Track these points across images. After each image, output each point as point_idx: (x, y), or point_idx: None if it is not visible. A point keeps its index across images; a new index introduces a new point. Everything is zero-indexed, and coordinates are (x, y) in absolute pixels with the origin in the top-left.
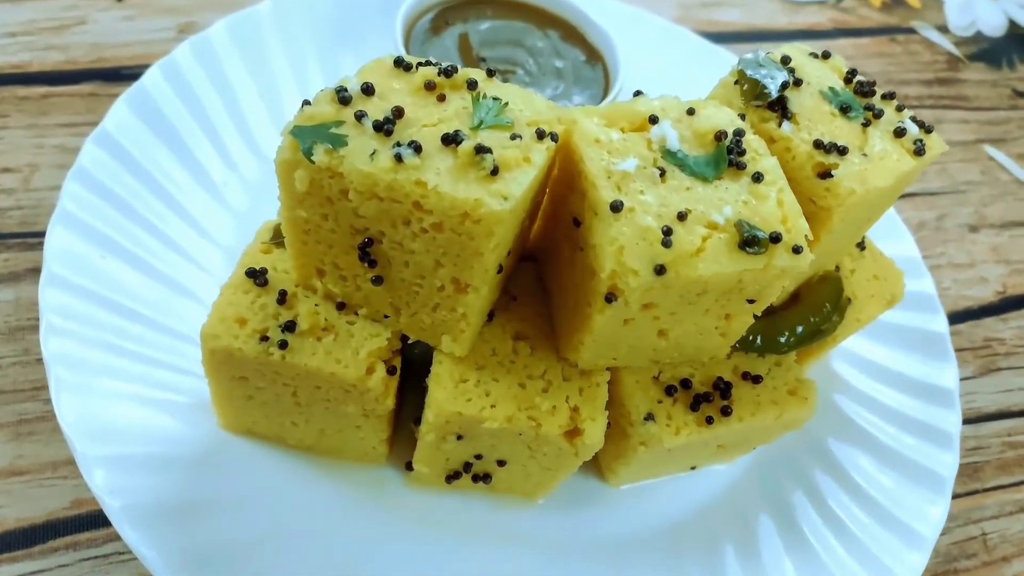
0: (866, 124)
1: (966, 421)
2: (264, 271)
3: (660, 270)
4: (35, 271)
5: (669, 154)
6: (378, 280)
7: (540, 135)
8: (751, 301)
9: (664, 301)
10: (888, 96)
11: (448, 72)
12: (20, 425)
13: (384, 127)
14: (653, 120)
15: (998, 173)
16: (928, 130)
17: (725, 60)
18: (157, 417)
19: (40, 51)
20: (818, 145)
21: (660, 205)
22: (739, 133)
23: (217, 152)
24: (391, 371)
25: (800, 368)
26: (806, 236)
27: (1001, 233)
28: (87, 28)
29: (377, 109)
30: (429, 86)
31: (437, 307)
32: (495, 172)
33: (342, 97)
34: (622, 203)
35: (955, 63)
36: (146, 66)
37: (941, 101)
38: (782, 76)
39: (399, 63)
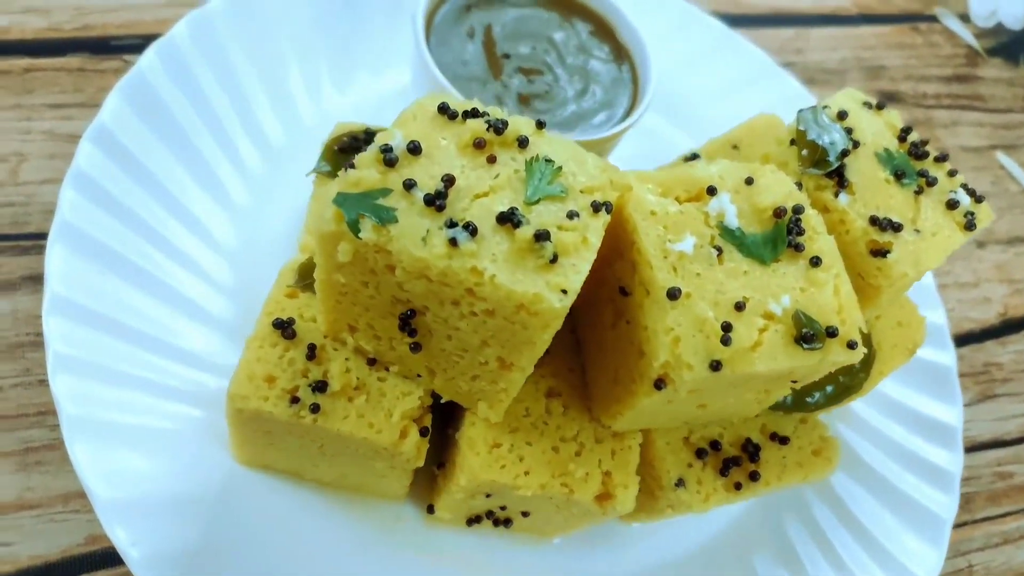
0: (919, 191)
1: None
2: (291, 322)
3: (716, 366)
4: (32, 279)
5: (727, 232)
6: (416, 347)
7: (596, 208)
8: (794, 381)
9: (712, 388)
10: (940, 159)
11: (498, 129)
12: (27, 454)
13: (436, 202)
14: (711, 191)
15: (1008, 183)
16: (979, 199)
17: (748, 52)
18: (171, 452)
19: (19, 15)
20: (874, 222)
21: (717, 291)
22: (798, 210)
23: (220, 147)
24: (423, 432)
25: (824, 426)
26: (860, 329)
27: (1007, 250)
28: None
29: (425, 174)
30: (479, 145)
31: (477, 378)
32: (554, 259)
33: (388, 159)
34: (680, 290)
35: (974, 58)
36: (136, 37)
37: (959, 101)
38: (840, 140)
39: (444, 110)
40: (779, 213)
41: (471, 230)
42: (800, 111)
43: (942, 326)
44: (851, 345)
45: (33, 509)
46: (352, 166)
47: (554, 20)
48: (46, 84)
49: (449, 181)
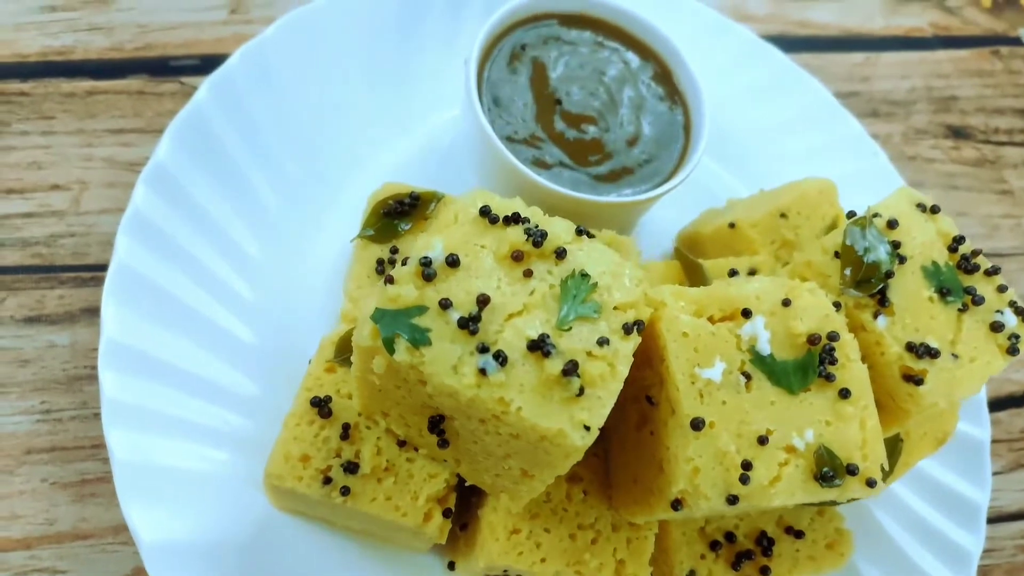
0: (963, 309)
1: (986, 521)
2: (328, 400)
3: (733, 500)
4: (90, 311)
5: (758, 358)
6: (444, 444)
7: (627, 330)
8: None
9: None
10: (991, 272)
11: (537, 242)
12: (83, 486)
13: (469, 325)
14: (746, 314)
15: None
16: None
17: (809, 88)
18: (211, 495)
19: (83, 33)
20: (910, 348)
21: (741, 422)
22: (833, 337)
23: (273, 186)
24: (446, 513)
25: (841, 517)
26: (882, 466)
27: None
28: (131, 3)
29: (462, 289)
30: (516, 257)
31: (499, 476)
32: (581, 392)
33: (426, 274)
34: (704, 421)
35: None
36: (194, 57)
37: None
38: (886, 259)
39: (485, 212)
40: (813, 340)
41: (501, 360)
42: (849, 223)
43: (980, 399)
44: (870, 483)
45: (87, 539)
46: (391, 280)
47: (611, 60)
48: (108, 108)
49: (484, 302)
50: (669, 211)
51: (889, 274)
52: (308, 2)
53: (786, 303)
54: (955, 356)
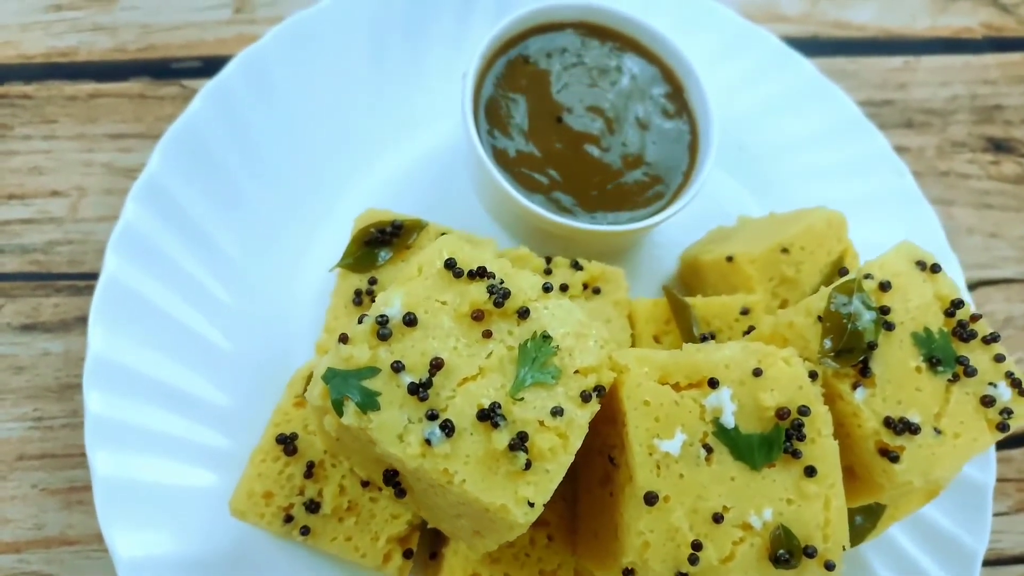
0: (954, 380)
1: (984, 563)
2: (294, 437)
3: None
4: (84, 320)
5: (721, 431)
6: (400, 494)
7: (585, 398)
8: None
9: None
10: (990, 339)
11: (499, 302)
12: (71, 493)
13: (419, 392)
14: (713, 384)
15: None
16: (1023, 393)
17: (835, 100)
18: (188, 513)
19: (88, 33)
20: (888, 423)
21: (698, 498)
22: (803, 412)
23: (267, 203)
24: (407, 554)
25: None
26: (844, 547)
27: None
28: (136, 2)
29: (417, 351)
30: (476, 317)
31: (454, 528)
32: (528, 466)
33: (381, 334)
34: (657, 496)
35: None
36: (196, 59)
37: None
38: (871, 328)
39: (450, 266)
40: (781, 415)
41: (447, 430)
42: (835, 287)
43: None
44: (829, 566)
45: (72, 545)
46: (346, 339)
47: (618, 73)
48: (109, 112)
49: (437, 366)
50: (678, 227)
51: (872, 345)
52: (312, 3)
53: (757, 373)
54: (938, 431)
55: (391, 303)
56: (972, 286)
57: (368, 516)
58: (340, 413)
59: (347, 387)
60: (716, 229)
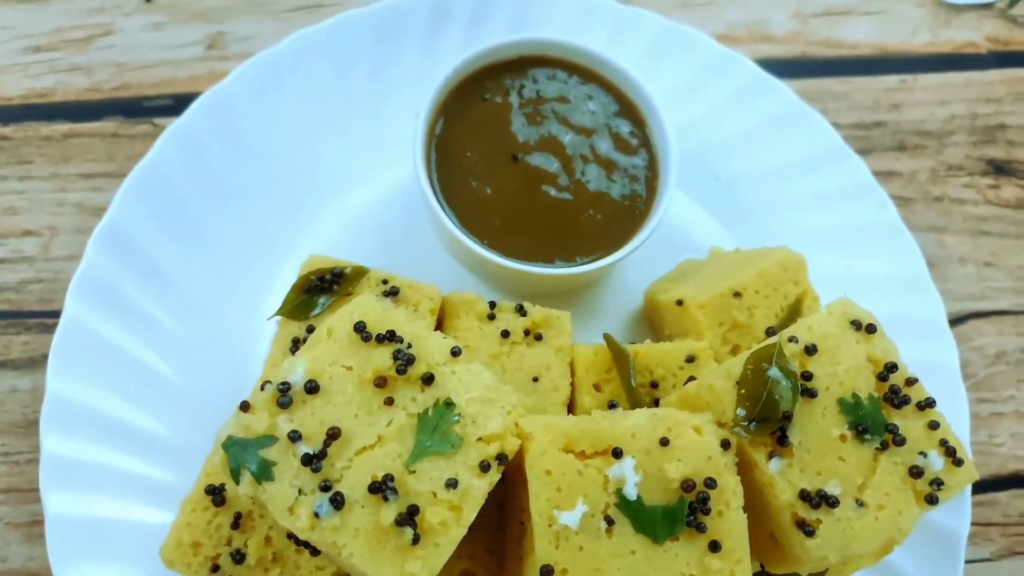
0: (883, 448)
1: None
2: (222, 488)
3: None
4: None
5: (624, 502)
6: (314, 552)
7: (484, 468)
8: None
9: None
10: (924, 405)
11: (401, 369)
12: (33, 527)
13: (312, 463)
14: (616, 454)
15: None
16: (958, 462)
17: (815, 128)
18: (139, 552)
19: (64, 73)
20: (804, 496)
21: (595, 571)
22: (710, 484)
23: (230, 238)
24: None
25: None
26: None
27: None
28: (112, 40)
29: (316, 419)
30: (379, 383)
31: None
32: (416, 541)
33: (281, 402)
34: (553, 569)
35: None
36: (168, 97)
37: None
38: (787, 397)
39: (359, 329)
40: (686, 487)
41: (337, 503)
42: (754, 351)
43: (964, 491)
44: None
45: None
46: (246, 407)
47: (579, 110)
48: (82, 151)
49: (333, 436)
50: (647, 261)
51: (786, 416)
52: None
53: (664, 442)
54: (860, 504)
55: (294, 369)
56: (962, 319)
57: (293, 567)
58: (237, 481)
59: (245, 455)
60: (685, 262)
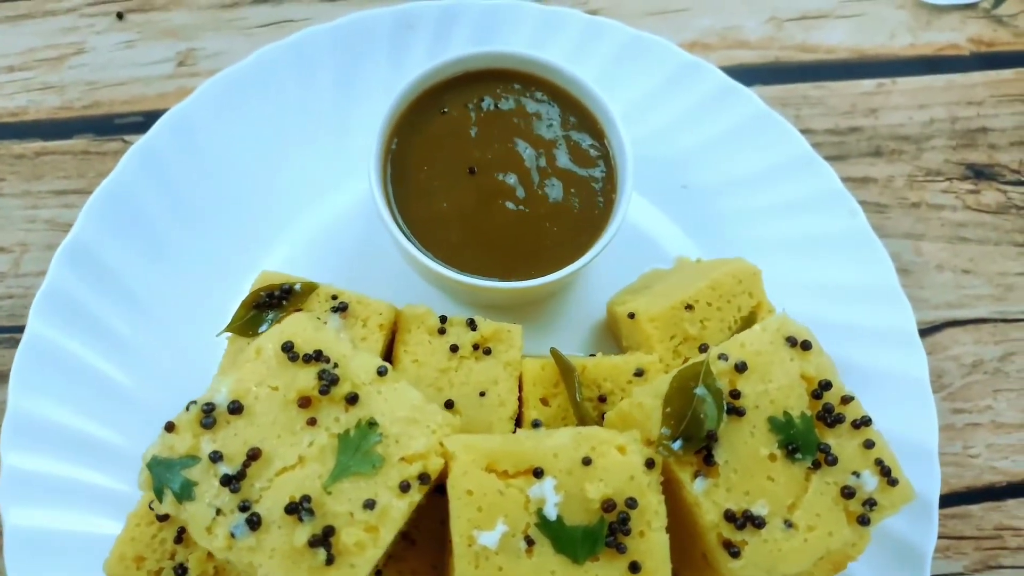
0: (815, 467)
1: None
2: None
3: None
4: None
5: (544, 522)
6: None
7: (404, 488)
8: None
9: None
10: (860, 424)
11: (324, 389)
12: None
13: (231, 483)
14: (538, 474)
15: None
16: (892, 482)
17: (784, 136)
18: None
19: (37, 92)
20: (729, 517)
21: None
22: (631, 504)
23: (194, 254)
24: None
25: None
26: None
27: None
28: (84, 59)
29: (240, 439)
30: (303, 403)
31: None
32: (330, 561)
33: (204, 423)
34: None
35: None
36: (138, 114)
37: None
38: (712, 416)
39: (287, 349)
40: (607, 507)
41: (253, 523)
42: (681, 369)
43: (931, 497)
44: None
45: None
46: (171, 427)
47: (537, 124)
48: (53, 169)
49: (253, 456)
50: (612, 271)
51: (712, 435)
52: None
53: (586, 462)
54: (789, 524)
55: (219, 390)
56: (938, 327)
57: None
58: (160, 500)
59: (168, 475)
60: (650, 272)
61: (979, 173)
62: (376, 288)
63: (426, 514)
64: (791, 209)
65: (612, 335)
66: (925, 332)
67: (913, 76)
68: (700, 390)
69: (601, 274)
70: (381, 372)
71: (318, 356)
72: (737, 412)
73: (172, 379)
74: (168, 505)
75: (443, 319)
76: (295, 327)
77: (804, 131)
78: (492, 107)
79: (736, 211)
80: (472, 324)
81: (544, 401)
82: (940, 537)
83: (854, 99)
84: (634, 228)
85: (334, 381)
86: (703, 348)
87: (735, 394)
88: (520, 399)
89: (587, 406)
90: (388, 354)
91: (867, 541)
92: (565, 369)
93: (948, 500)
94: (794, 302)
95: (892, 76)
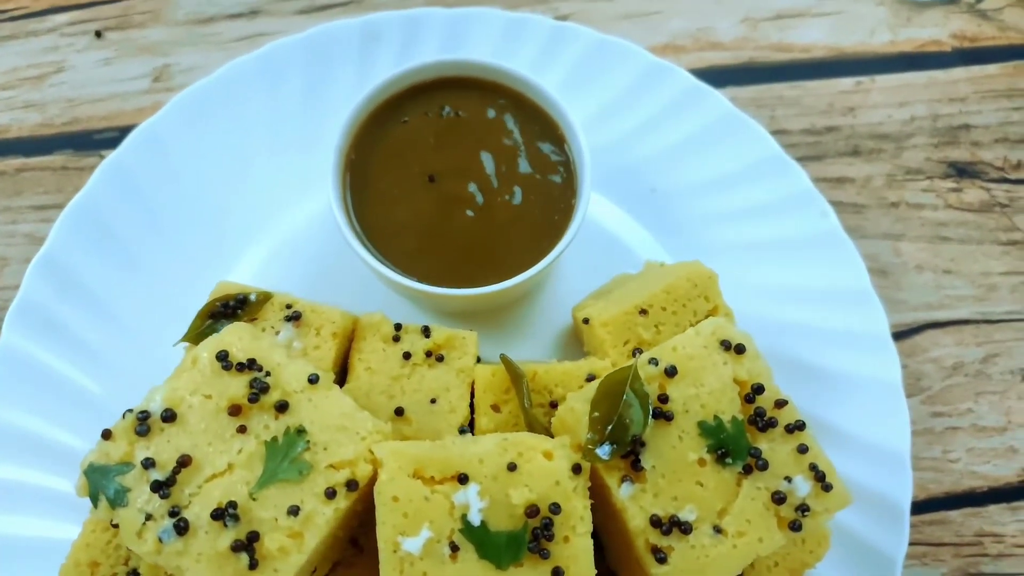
0: (747, 471)
1: None
2: None
3: None
4: None
5: (468, 528)
6: None
7: (330, 495)
8: None
9: None
10: (793, 428)
11: (254, 397)
12: None
13: (161, 489)
14: (463, 480)
15: None
16: (826, 488)
17: (752, 137)
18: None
19: (19, 111)
20: (655, 523)
21: None
22: (554, 509)
23: (165, 267)
24: None
25: None
26: None
27: None
28: (64, 77)
29: (172, 447)
30: (233, 411)
31: None
32: (254, 566)
33: (138, 430)
34: None
35: None
36: (115, 129)
37: None
38: (638, 421)
39: (221, 358)
40: (531, 513)
41: (180, 528)
42: (610, 374)
43: (902, 501)
44: None
45: None
46: (108, 435)
47: (497, 130)
48: (33, 185)
49: (183, 463)
50: (581, 276)
51: (636, 439)
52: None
53: (511, 467)
54: (718, 530)
55: (154, 398)
56: (917, 329)
57: None
58: (95, 505)
59: (104, 481)
60: (618, 277)
61: (961, 171)
62: (343, 297)
63: (374, 520)
64: (761, 211)
65: (579, 342)
66: (904, 334)
67: (893, 73)
68: (628, 394)
69: (571, 280)
70: (312, 380)
71: (251, 365)
72: (665, 416)
73: (140, 387)
74: (103, 511)
75: (398, 327)
76: (232, 336)
77: (779, 132)
78: (452, 115)
79: (705, 214)
80: (426, 331)
81: (495, 407)
82: (918, 544)
83: (831, 98)
84: (604, 233)
85: (264, 389)
86: (636, 353)
87: (663, 398)
88: (472, 406)
89: (536, 412)
90: (345, 362)
91: (826, 548)
92: (514, 375)
93: (926, 506)
94: (766, 305)
95: (871, 74)
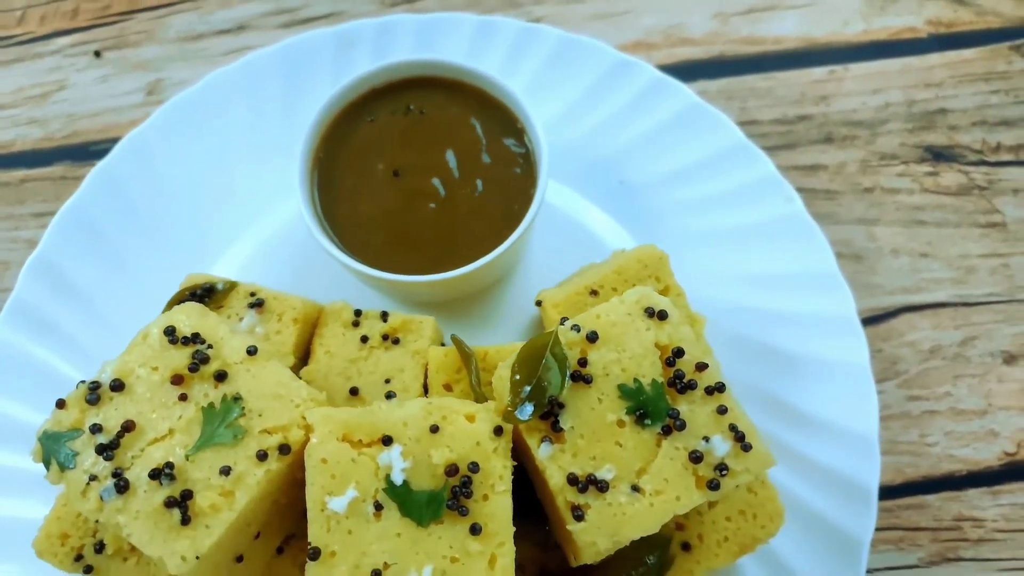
0: (666, 432)
1: None
2: None
3: None
4: None
5: (391, 487)
6: None
7: (261, 456)
8: None
9: None
10: (713, 390)
11: (194, 366)
12: None
13: (105, 451)
14: (387, 441)
15: None
16: (746, 447)
17: (717, 127)
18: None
19: (23, 127)
20: (572, 481)
21: (362, 554)
22: (473, 468)
23: (152, 268)
24: None
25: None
26: None
27: None
28: (65, 94)
29: (119, 414)
30: (175, 380)
31: None
32: (186, 522)
33: (89, 399)
34: (319, 552)
35: None
36: (110, 140)
37: None
38: (556, 383)
39: (168, 333)
40: (450, 472)
41: (121, 488)
42: (531, 340)
43: (870, 484)
44: None
45: None
46: (62, 404)
47: (459, 124)
48: (34, 194)
49: (127, 428)
50: (554, 267)
51: (553, 400)
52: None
53: (434, 429)
54: (636, 489)
55: (105, 370)
56: (893, 313)
57: (148, 557)
58: (48, 470)
59: (55, 447)
60: (587, 266)
61: (938, 155)
62: (318, 292)
63: None
64: (727, 198)
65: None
66: (879, 318)
67: (867, 61)
68: (547, 358)
69: (542, 270)
70: (251, 352)
71: (195, 338)
72: (584, 379)
73: None
74: (53, 475)
75: (358, 312)
76: (181, 314)
77: (749, 123)
78: (417, 113)
79: (673, 204)
80: (384, 316)
81: (447, 387)
82: (894, 528)
83: (803, 88)
84: (574, 225)
85: (204, 360)
86: (563, 321)
87: (583, 362)
88: (426, 386)
89: (487, 391)
90: (309, 347)
91: (779, 524)
92: (465, 355)
93: (903, 490)
94: (735, 291)
95: (844, 63)
